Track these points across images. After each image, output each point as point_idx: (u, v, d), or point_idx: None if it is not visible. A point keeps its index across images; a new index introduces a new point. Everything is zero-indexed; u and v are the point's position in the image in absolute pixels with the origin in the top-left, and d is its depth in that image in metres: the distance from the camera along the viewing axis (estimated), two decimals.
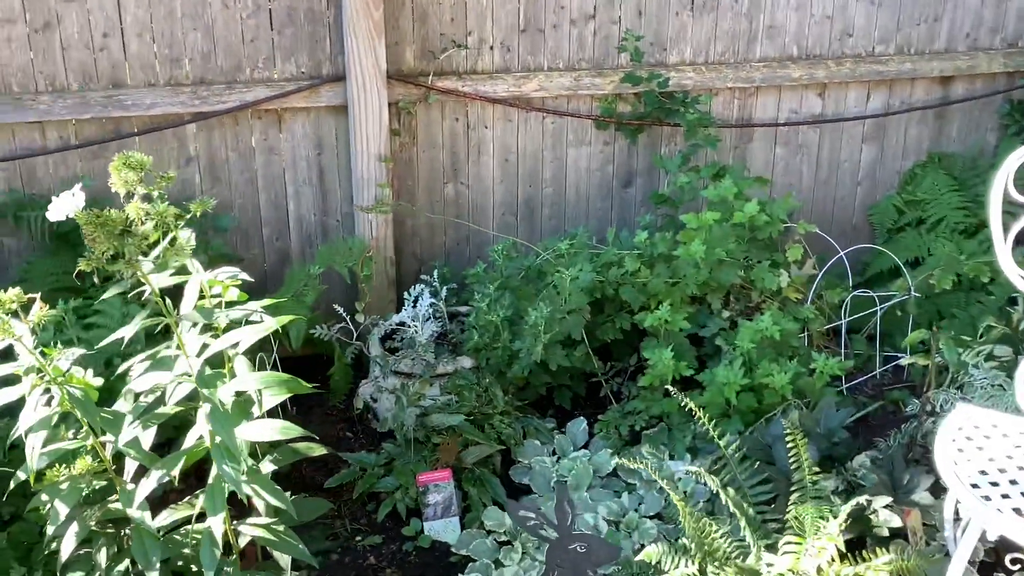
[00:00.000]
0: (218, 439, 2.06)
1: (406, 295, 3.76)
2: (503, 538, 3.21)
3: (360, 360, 4.06)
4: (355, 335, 3.80)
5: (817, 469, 2.87)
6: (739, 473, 2.99)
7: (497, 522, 3.23)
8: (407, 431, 3.49)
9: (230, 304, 2.31)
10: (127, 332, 2.07)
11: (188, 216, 2.16)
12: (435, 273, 4.02)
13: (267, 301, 2.41)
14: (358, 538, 3.37)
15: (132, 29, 3.74)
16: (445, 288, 3.96)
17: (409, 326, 3.62)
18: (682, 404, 3.02)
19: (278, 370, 3.86)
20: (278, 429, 2.21)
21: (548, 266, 3.75)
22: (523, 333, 3.48)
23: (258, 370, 3.64)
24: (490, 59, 4.11)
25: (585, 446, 3.65)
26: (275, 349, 3.81)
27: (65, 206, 1.94)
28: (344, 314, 3.78)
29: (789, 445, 2.88)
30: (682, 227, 3.78)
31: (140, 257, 2.00)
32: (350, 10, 3.74)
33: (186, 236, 2.15)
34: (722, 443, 2.97)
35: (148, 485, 2.11)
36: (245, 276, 2.26)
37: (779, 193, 4.57)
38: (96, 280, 1.94)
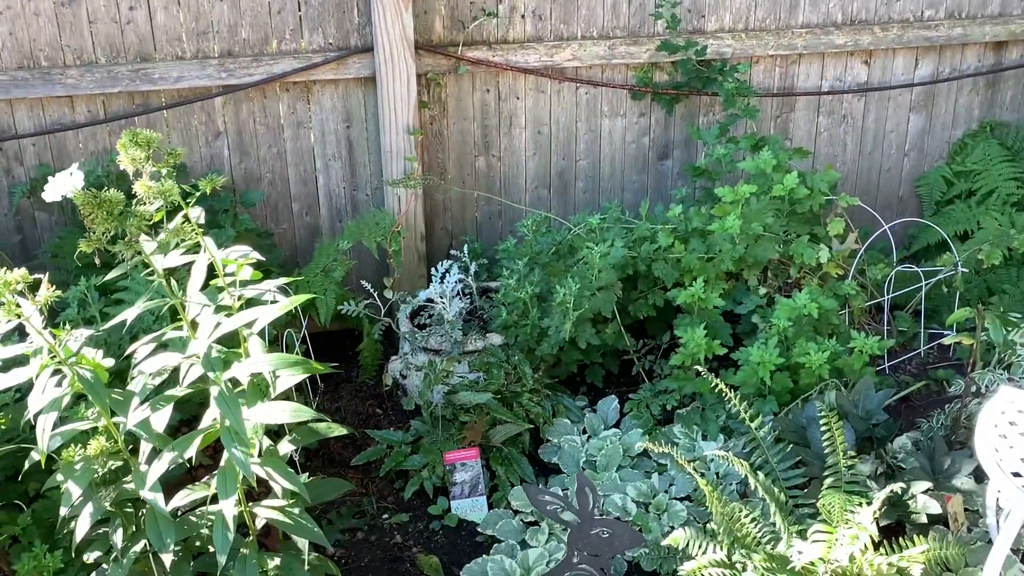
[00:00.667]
0: (227, 422, 2.02)
1: (434, 270, 3.70)
2: (530, 518, 3.16)
3: (390, 335, 4.02)
4: (383, 311, 3.75)
5: (853, 453, 2.77)
6: (771, 456, 2.90)
7: (524, 502, 3.18)
8: (435, 409, 3.44)
9: (244, 283, 2.26)
10: (129, 315, 2.03)
11: (198, 193, 2.11)
12: (465, 248, 3.95)
13: (285, 280, 2.35)
14: (385, 516, 3.34)
15: (158, 1, 3.69)
16: (475, 263, 3.89)
17: (437, 303, 3.56)
18: (712, 381, 2.93)
19: (307, 345, 3.84)
20: (290, 411, 2.16)
21: (579, 241, 3.66)
22: (552, 310, 3.40)
23: (285, 346, 3.62)
24: (522, 28, 4.01)
25: (616, 425, 3.58)
26: (304, 324, 3.78)
27: (62, 186, 1.90)
28: (372, 290, 3.73)
29: (823, 428, 2.78)
30: (716, 200, 3.66)
31: (145, 237, 1.95)
32: None
33: (196, 214, 2.10)
34: (754, 425, 2.88)
35: (160, 467, 2.08)
36: (258, 255, 2.21)
37: (822, 164, 4.43)
38: (97, 261, 1.90)
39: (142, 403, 2.04)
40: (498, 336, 3.64)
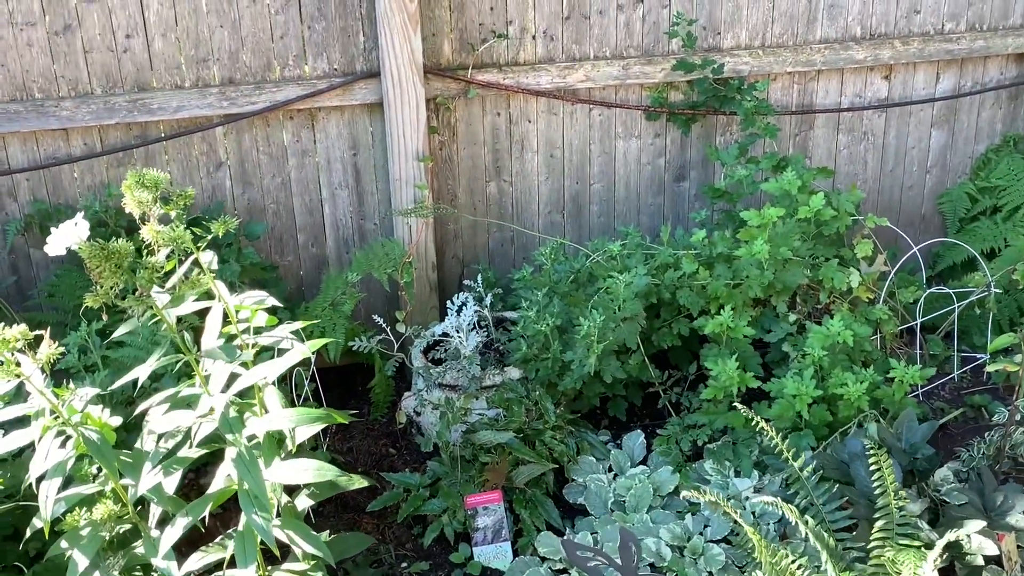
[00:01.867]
0: (246, 485, 1.86)
1: (449, 303, 3.55)
2: (559, 566, 2.99)
3: (403, 371, 3.86)
4: (396, 346, 3.59)
5: (904, 493, 2.62)
6: (816, 496, 2.74)
7: (552, 548, 3.02)
8: (453, 449, 3.28)
9: (258, 330, 2.11)
10: (142, 373, 1.88)
11: (209, 237, 1.96)
12: (479, 278, 3.80)
13: (298, 324, 2.21)
14: (404, 565, 3.17)
15: (156, 28, 3.55)
16: (490, 293, 3.74)
17: (453, 336, 3.40)
18: (750, 419, 2.78)
19: (316, 383, 3.68)
20: (313, 471, 2.00)
21: (599, 269, 3.51)
22: (575, 343, 3.25)
23: (294, 384, 3.45)
24: (533, 49, 3.87)
25: (644, 461, 3.42)
26: (313, 360, 3.62)
27: (66, 238, 1.74)
28: (383, 324, 3.57)
29: (872, 466, 2.63)
30: (740, 223, 3.52)
31: (156, 289, 1.80)
32: (383, 1, 3.51)
33: (208, 259, 1.95)
34: (797, 464, 2.73)
35: (174, 534, 1.92)
36: (274, 301, 2.06)
37: (842, 183, 4.30)
38: (104, 316, 1.74)
39: (153, 468, 1.88)
40: (516, 370, 3.49)
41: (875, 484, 2.60)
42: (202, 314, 2.09)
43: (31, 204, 3.66)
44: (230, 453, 1.87)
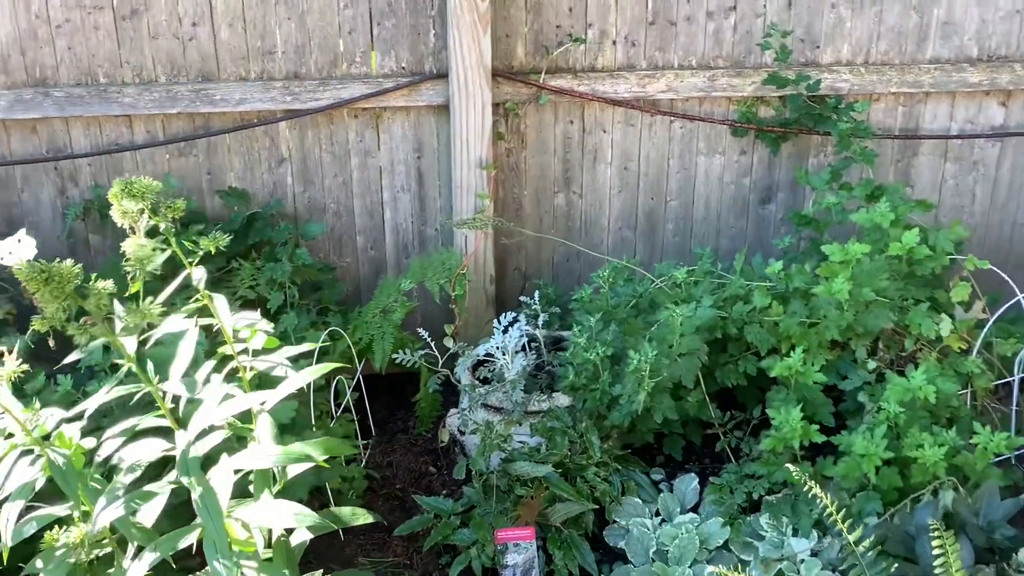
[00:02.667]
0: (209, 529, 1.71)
1: (496, 321, 3.36)
2: None
3: (452, 385, 3.69)
4: (441, 362, 3.42)
5: None
6: (870, 574, 2.46)
7: None
8: (489, 477, 3.10)
9: (257, 352, 1.96)
10: (92, 404, 1.75)
11: (201, 252, 1.82)
12: (536, 295, 3.60)
13: (305, 347, 2.05)
14: None
15: (223, 17, 3.46)
16: (547, 313, 3.54)
17: (498, 358, 3.21)
18: (802, 479, 2.51)
19: (361, 391, 3.55)
20: (292, 515, 1.85)
21: (662, 296, 3.27)
22: (625, 376, 3.01)
23: (336, 393, 3.33)
24: (612, 55, 3.64)
25: (696, 508, 3.17)
26: (359, 368, 3.49)
27: (6, 255, 1.62)
28: (429, 339, 3.40)
29: (935, 547, 2.33)
30: (822, 257, 3.22)
31: (123, 310, 1.66)
32: (453, 0, 3.34)
33: (200, 275, 1.81)
34: (852, 537, 2.44)
35: (140, 568, 1.79)
36: (266, 326, 1.90)
37: (947, 216, 3.93)
38: (52, 343, 1.62)
39: (109, 504, 1.75)
40: (566, 397, 3.28)
41: (937, 568, 2.30)
42: (205, 331, 1.96)
43: (92, 189, 3.62)
44: (194, 495, 1.73)
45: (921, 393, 2.90)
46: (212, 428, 1.99)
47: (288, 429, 2.84)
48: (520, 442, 3.20)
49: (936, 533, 2.32)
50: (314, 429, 3.01)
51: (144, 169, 3.63)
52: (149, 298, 1.67)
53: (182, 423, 1.77)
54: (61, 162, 3.58)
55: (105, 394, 1.72)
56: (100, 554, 1.96)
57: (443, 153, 3.68)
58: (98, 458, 1.80)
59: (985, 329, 3.31)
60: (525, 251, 3.89)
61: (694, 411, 3.21)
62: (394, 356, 3.37)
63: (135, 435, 1.79)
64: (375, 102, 3.57)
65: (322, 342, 3.44)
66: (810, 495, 2.95)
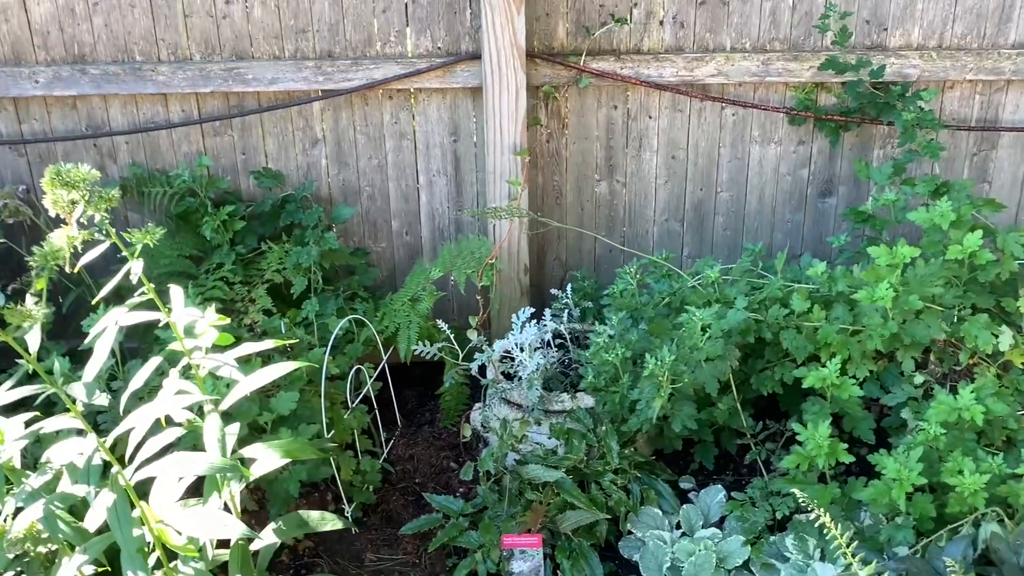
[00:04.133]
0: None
1: (514, 317, 3.21)
2: None
3: (479, 380, 3.57)
4: (461, 355, 3.29)
5: None
6: None
7: None
8: (502, 478, 2.97)
9: (219, 349, 1.87)
10: None
11: (140, 246, 1.73)
12: (569, 288, 3.44)
13: (267, 344, 1.95)
14: None
15: None
16: (579, 308, 3.37)
17: (516, 355, 3.07)
18: (806, 505, 2.30)
19: (386, 381, 3.47)
20: (221, 525, 1.75)
21: (694, 295, 3.07)
22: (641, 381, 2.83)
23: (358, 383, 3.24)
24: (659, 36, 3.43)
25: (721, 522, 2.98)
26: (385, 358, 3.41)
27: None
28: (449, 330, 3.28)
29: None
30: (869, 260, 2.97)
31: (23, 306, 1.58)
32: None
33: (138, 269, 1.72)
34: (864, 573, 2.22)
35: (69, 569, 1.73)
36: (224, 321, 1.81)
37: None
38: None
39: (26, 505, 1.69)
40: (590, 397, 3.12)
41: None
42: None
43: (129, 167, 3.62)
44: (107, 500, 1.64)
45: (968, 413, 2.63)
46: (168, 424, 1.91)
47: (287, 421, 2.77)
48: (537, 443, 3.05)
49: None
50: (325, 421, 2.93)
51: (180, 148, 3.60)
52: (34, 300, 1.58)
53: (105, 426, 1.70)
54: (100, 140, 3.58)
55: (3, 393, 1.66)
56: (54, 548, 1.91)
57: (480, 137, 3.54)
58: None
59: None
60: (565, 240, 3.72)
61: (723, 419, 3.00)
62: (414, 349, 3.27)
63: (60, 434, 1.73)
64: (408, 83, 3.45)
65: (347, 329, 3.37)
66: (841, 516, 2.75)
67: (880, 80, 3.35)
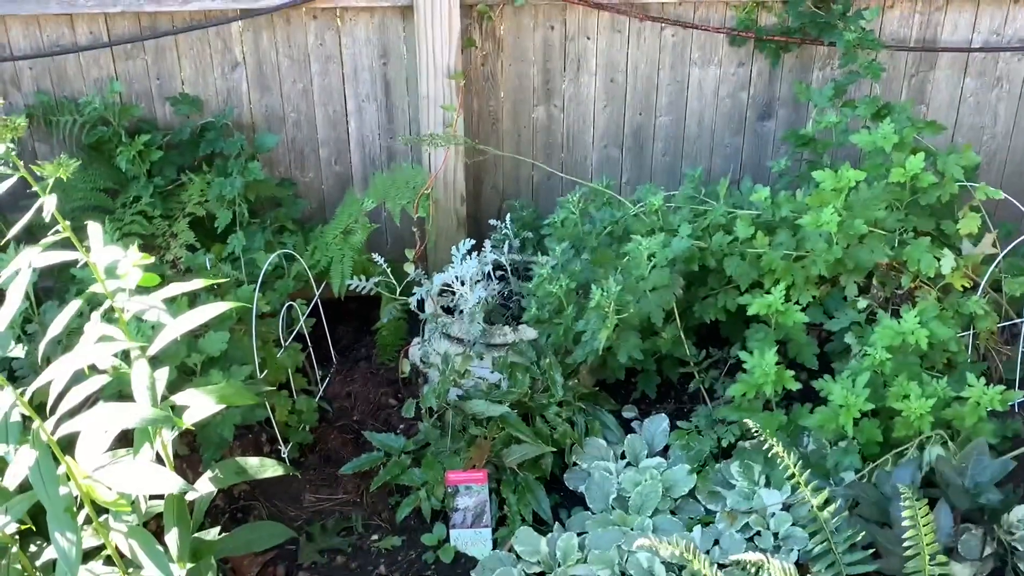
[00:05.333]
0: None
1: (454, 249, 3.10)
2: (535, 568, 2.60)
3: (417, 314, 3.47)
4: (399, 289, 3.18)
5: (944, 558, 2.08)
6: (836, 542, 2.23)
7: (530, 548, 2.62)
8: (445, 414, 2.90)
9: (141, 290, 1.74)
10: None
11: (52, 179, 1.57)
12: (508, 218, 3.34)
13: (197, 283, 1.82)
14: (374, 538, 2.84)
15: None
16: (518, 239, 3.28)
17: (457, 288, 2.97)
18: (754, 431, 2.27)
19: (320, 317, 3.35)
20: (157, 479, 1.64)
21: (637, 224, 3.00)
22: (587, 312, 2.77)
23: (290, 319, 3.12)
24: None
25: (665, 451, 2.96)
26: (318, 293, 3.28)
27: None
28: (386, 264, 3.16)
29: (906, 520, 2.10)
30: (813, 184, 2.93)
31: None
32: None
33: (51, 206, 1.57)
34: (815, 501, 2.22)
35: None
36: (150, 259, 1.67)
37: (964, 137, 3.59)
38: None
39: None
40: (532, 330, 3.04)
41: (908, 545, 2.07)
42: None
43: (35, 95, 3.37)
44: (29, 459, 1.52)
45: (912, 337, 2.63)
46: (92, 372, 1.78)
47: (218, 362, 2.64)
48: (480, 377, 2.98)
49: (907, 502, 2.09)
50: (258, 361, 2.81)
51: (89, 73, 3.37)
52: None
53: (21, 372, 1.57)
54: (2, 64, 3.32)
55: None
56: None
57: (411, 60, 3.38)
58: None
59: (994, 265, 3.02)
60: (502, 168, 3.61)
61: (667, 348, 2.96)
62: (348, 284, 3.15)
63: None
64: (334, 1, 3.26)
65: (276, 264, 3.23)
66: (787, 443, 2.74)
67: None
